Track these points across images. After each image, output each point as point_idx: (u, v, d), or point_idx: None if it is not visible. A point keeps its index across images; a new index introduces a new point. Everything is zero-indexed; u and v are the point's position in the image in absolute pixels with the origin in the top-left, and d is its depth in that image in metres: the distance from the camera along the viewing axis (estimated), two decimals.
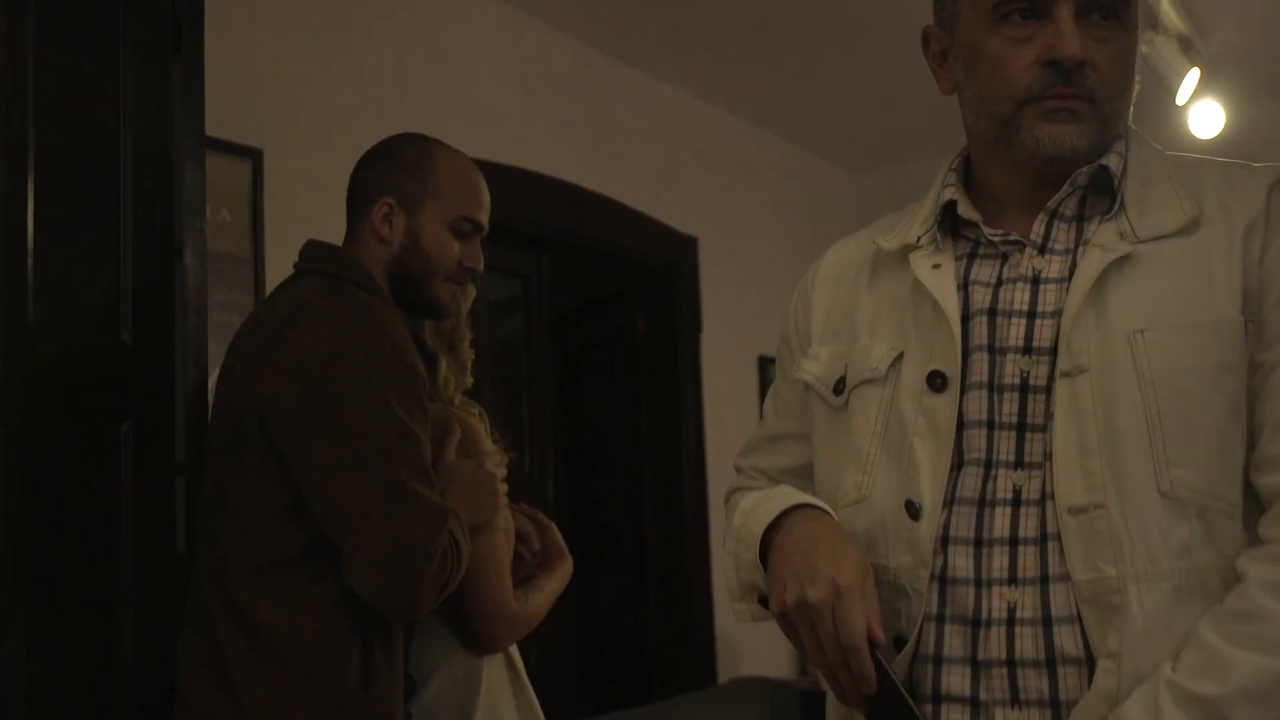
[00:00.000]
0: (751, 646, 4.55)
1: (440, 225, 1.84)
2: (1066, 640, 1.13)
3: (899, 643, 1.20)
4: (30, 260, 1.61)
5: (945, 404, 1.21)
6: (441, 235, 1.84)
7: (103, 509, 1.68)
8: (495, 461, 1.90)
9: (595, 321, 4.77)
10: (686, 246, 4.52)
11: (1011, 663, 1.15)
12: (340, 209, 3.18)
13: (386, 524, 1.56)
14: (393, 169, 1.87)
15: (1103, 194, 1.26)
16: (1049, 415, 1.17)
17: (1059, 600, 1.14)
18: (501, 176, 3.70)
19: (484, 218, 1.91)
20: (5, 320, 1.58)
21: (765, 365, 4.88)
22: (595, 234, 4.13)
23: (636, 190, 4.25)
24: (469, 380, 2.22)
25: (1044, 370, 1.19)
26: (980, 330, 1.23)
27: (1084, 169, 1.25)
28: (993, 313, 1.24)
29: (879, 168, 5.48)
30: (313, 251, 1.82)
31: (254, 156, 3.01)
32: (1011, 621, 1.15)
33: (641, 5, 3.83)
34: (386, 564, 1.56)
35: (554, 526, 2.22)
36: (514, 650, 2.08)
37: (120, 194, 1.78)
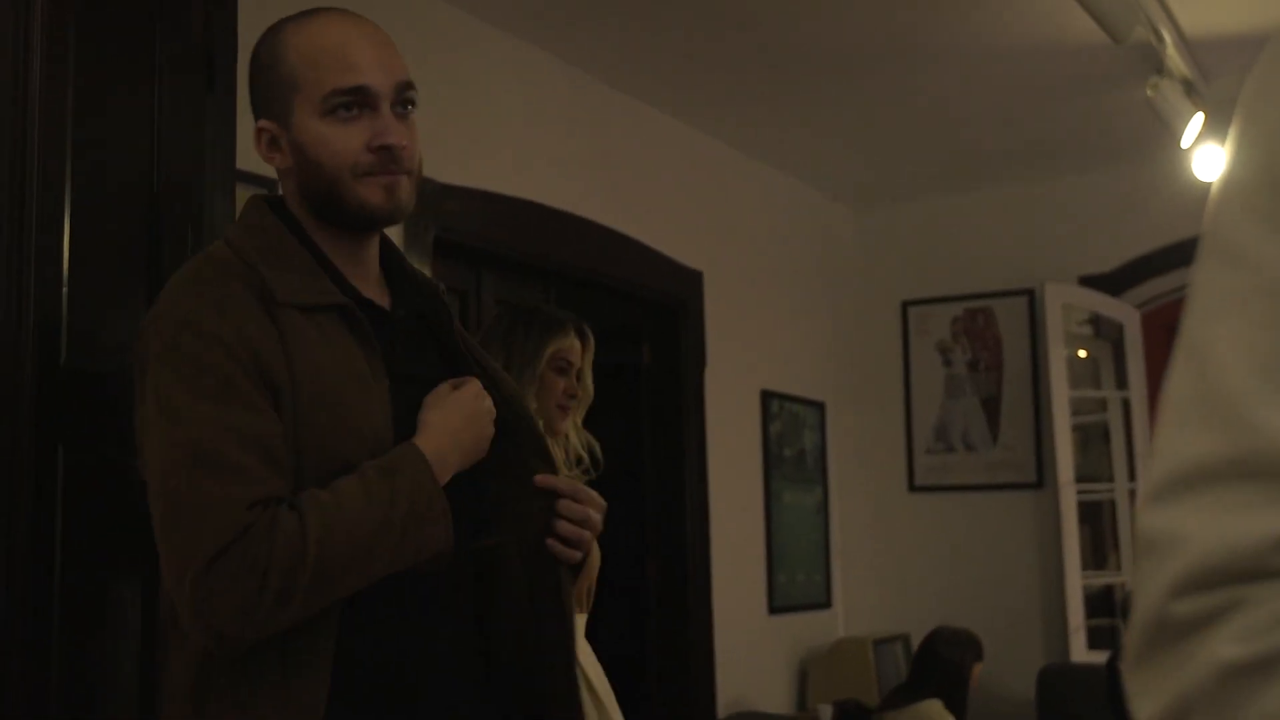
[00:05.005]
0: (752, 683, 4.54)
1: (314, 120, 1.42)
2: None
3: None
4: (65, 300, 1.61)
5: None
6: (320, 131, 1.41)
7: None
8: (476, 391, 1.50)
9: (600, 355, 4.75)
10: (692, 281, 4.53)
11: None
12: None
13: (165, 553, 1.31)
14: (255, 87, 1.50)
15: None
16: None
17: None
18: (508, 209, 3.71)
19: (360, 78, 1.42)
20: (39, 361, 1.58)
21: (768, 400, 4.89)
22: (601, 267, 4.14)
23: (643, 224, 4.26)
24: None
25: None
26: None
27: None
28: None
29: (885, 206, 5.51)
30: None
31: (271, 188, 3.01)
32: None
33: (649, 40, 3.85)
34: (180, 596, 1.29)
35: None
36: (591, 670, 2.15)
37: (152, 230, 1.78)
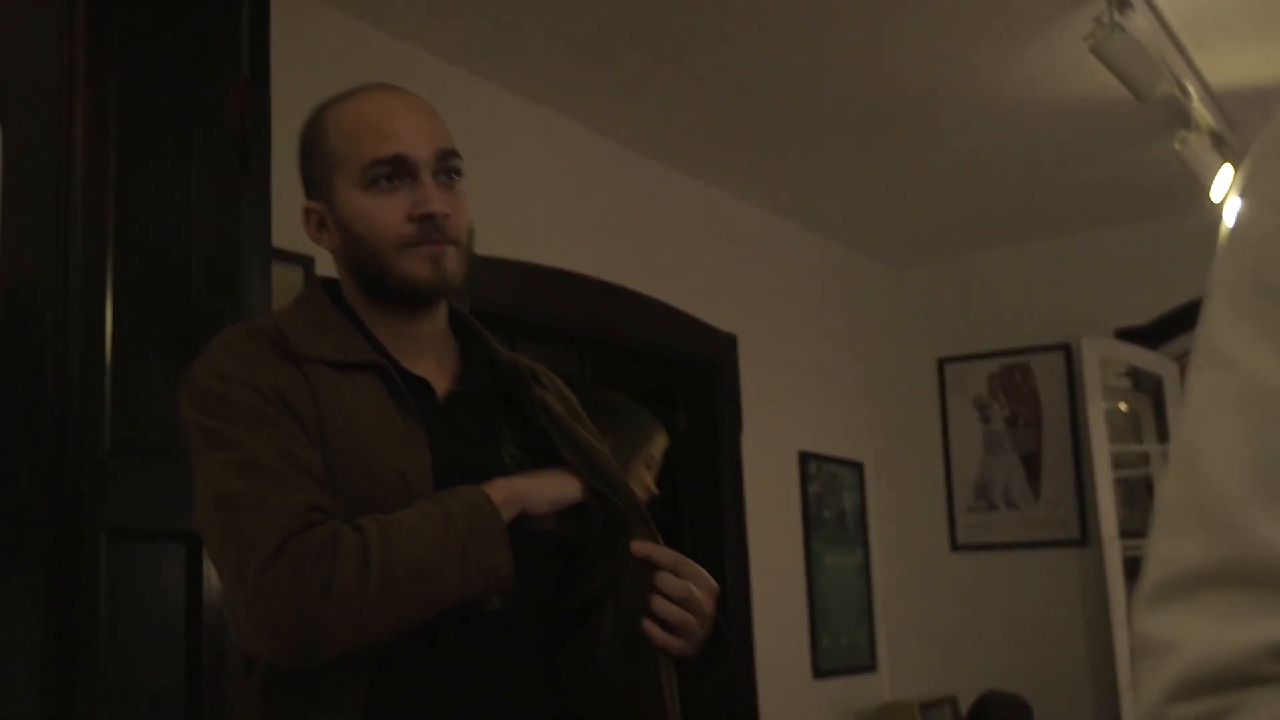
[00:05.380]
0: None
1: (355, 194, 1.39)
2: None
3: None
4: (108, 383, 1.64)
5: None
6: (361, 204, 1.39)
7: None
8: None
9: None
10: (726, 344, 4.55)
11: None
12: None
13: (225, 557, 1.28)
14: (302, 169, 1.49)
15: None
16: None
17: None
18: (542, 278, 3.75)
19: (397, 147, 1.39)
20: (82, 445, 1.61)
21: (806, 461, 4.88)
22: (635, 333, 4.16)
23: (676, 289, 4.29)
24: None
25: None
26: None
27: None
28: None
29: (919, 264, 5.52)
30: None
31: (305, 263, 3.06)
32: None
33: (676, 107, 3.89)
34: (242, 595, 1.26)
35: None
36: None
37: (191, 311, 1.81)
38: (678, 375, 4.53)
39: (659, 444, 2.80)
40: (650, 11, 3.26)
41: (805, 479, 4.87)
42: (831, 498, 5.02)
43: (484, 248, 3.55)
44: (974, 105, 3.90)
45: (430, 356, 1.44)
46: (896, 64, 3.61)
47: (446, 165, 1.42)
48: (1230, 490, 0.50)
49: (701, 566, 1.40)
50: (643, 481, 2.73)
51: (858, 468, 5.21)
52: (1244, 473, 0.50)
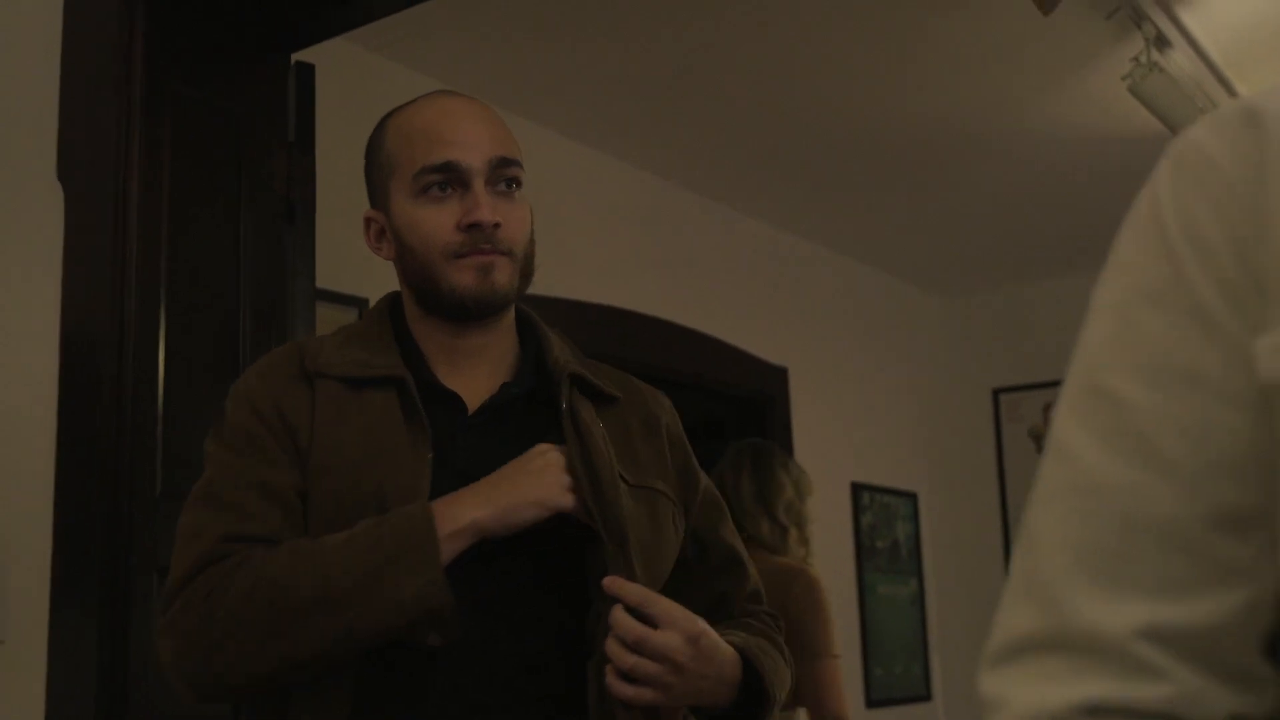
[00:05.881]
0: None
1: (408, 202, 1.35)
2: None
3: None
4: (160, 429, 1.75)
5: None
6: (413, 213, 1.34)
7: None
8: (540, 452, 1.32)
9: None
10: (776, 377, 4.60)
11: None
12: None
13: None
14: (366, 177, 1.45)
15: None
16: None
17: None
18: (591, 316, 3.83)
19: (447, 154, 1.34)
20: (135, 487, 1.71)
21: (859, 492, 4.90)
22: (685, 367, 4.23)
23: (725, 323, 4.35)
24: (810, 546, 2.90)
25: None
26: None
27: None
28: None
29: (972, 294, 5.53)
30: None
31: (360, 305, 3.17)
32: None
33: (721, 142, 3.97)
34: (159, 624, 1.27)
35: None
36: None
37: (240, 358, 1.91)
38: (729, 408, 4.59)
39: (791, 493, 3.01)
40: (694, 49, 3.34)
41: (858, 509, 4.89)
42: (885, 528, 5.04)
43: (535, 288, 3.64)
44: (1019, 139, 3.93)
45: (484, 366, 1.38)
46: (942, 98, 3.66)
47: (503, 174, 1.36)
48: (1054, 568, 0.57)
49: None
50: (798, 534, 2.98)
51: (912, 498, 5.23)
52: (1066, 554, 0.57)
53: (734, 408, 4.58)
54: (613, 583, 1.24)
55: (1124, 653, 0.54)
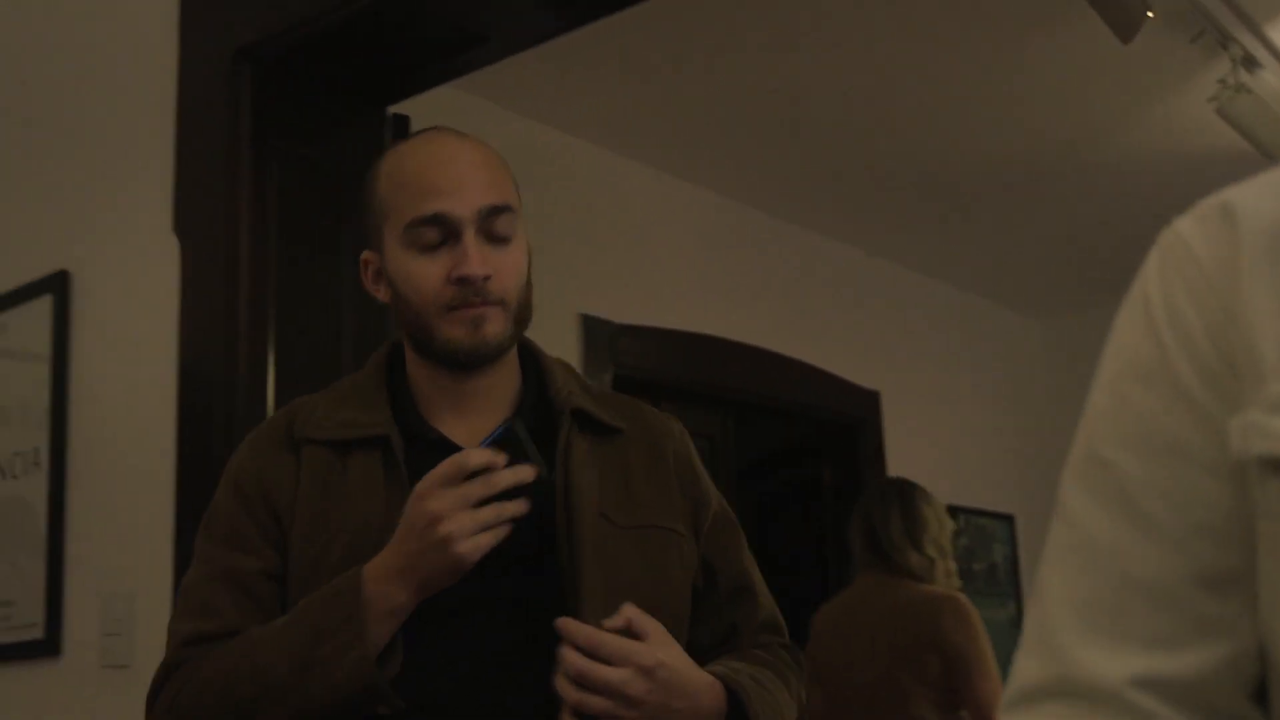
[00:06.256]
0: None
1: (400, 252, 1.32)
2: None
3: None
4: None
5: None
6: (406, 264, 1.32)
7: None
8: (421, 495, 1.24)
9: (780, 475, 4.89)
10: (868, 401, 4.62)
11: None
12: None
13: None
14: (360, 218, 1.43)
15: None
16: None
17: None
18: (683, 343, 3.90)
19: (435, 205, 1.30)
20: None
21: (953, 515, 4.88)
22: (776, 393, 4.28)
23: (815, 348, 4.39)
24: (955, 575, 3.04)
25: None
26: None
27: None
28: None
29: (1066, 315, 5.50)
30: None
31: None
32: None
33: (814, 171, 4.02)
34: None
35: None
36: None
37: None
38: (821, 431, 4.62)
39: (936, 527, 3.16)
40: (784, 81, 3.41)
41: (954, 532, 4.88)
42: (981, 550, 5.02)
43: (626, 316, 3.73)
44: (1109, 161, 3.93)
45: (487, 408, 1.37)
46: (1032, 123, 3.68)
47: (493, 222, 1.31)
48: (1059, 622, 0.63)
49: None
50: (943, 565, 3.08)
51: (1008, 520, 5.20)
52: (1069, 608, 0.63)
53: (826, 432, 4.62)
54: (564, 624, 1.20)
55: (1121, 700, 0.60)
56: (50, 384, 2.08)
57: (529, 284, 1.36)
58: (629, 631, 1.21)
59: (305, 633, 1.22)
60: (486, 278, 1.29)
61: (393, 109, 2.05)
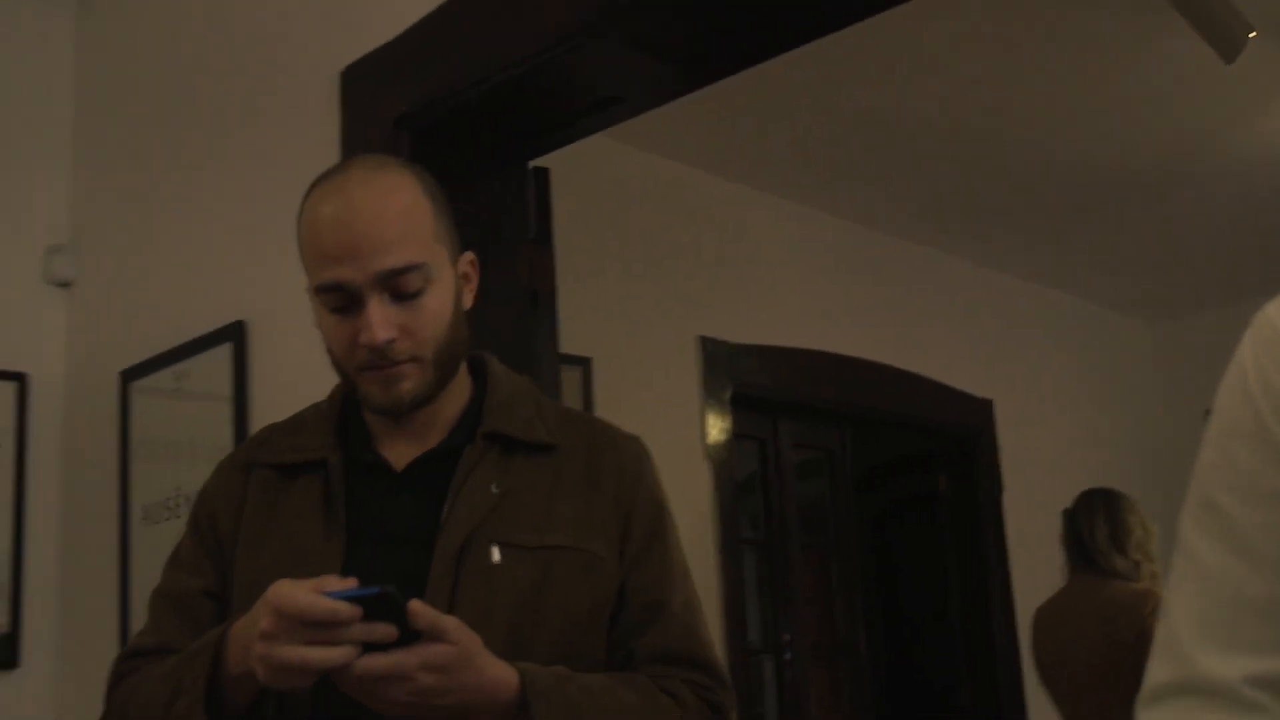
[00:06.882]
0: None
1: (318, 306, 1.33)
2: None
3: None
4: None
5: None
6: (323, 319, 1.33)
7: None
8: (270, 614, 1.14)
9: (897, 484, 4.98)
10: (982, 410, 4.70)
11: None
12: (663, 404, 3.58)
13: None
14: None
15: None
16: None
17: None
18: (798, 360, 4.03)
19: (332, 273, 1.28)
20: None
21: None
22: (890, 405, 4.39)
23: (927, 360, 4.49)
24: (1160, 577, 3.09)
25: None
26: None
27: None
28: None
29: (1177, 317, 5.50)
30: None
31: (584, 364, 3.46)
32: None
33: (923, 186, 4.12)
34: None
35: None
36: None
37: None
38: (936, 441, 4.71)
39: (1140, 532, 3.33)
40: (892, 100, 3.52)
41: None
42: None
43: (742, 336, 3.88)
44: (1220, 166, 3.96)
45: (426, 433, 1.37)
46: (1142, 131, 3.74)
47: (396, 284, 1.28)
48: (1182, 635, 0.79)
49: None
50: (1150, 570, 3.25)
51: None
52: (1191, 623, 0.79)
53: (941, 442, 4.70)
54: (417, 606, 1.12)
55: (1235, 694, 0.76)
56: (232, 422, 2.28)
57: (454, 323, 1.34)
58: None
59: (170, 686, 1.25)
60: (390, 341, 1.28)
61: (532, 163, 2.21)
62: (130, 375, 2.54)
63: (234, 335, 2.28)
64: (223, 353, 2.31)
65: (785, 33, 1.87)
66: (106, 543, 2.51)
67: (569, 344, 3.32)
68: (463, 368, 1.41)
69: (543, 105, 2.00)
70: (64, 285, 2.79)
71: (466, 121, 2.04)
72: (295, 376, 2.21)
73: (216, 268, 2.37)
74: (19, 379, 2.71)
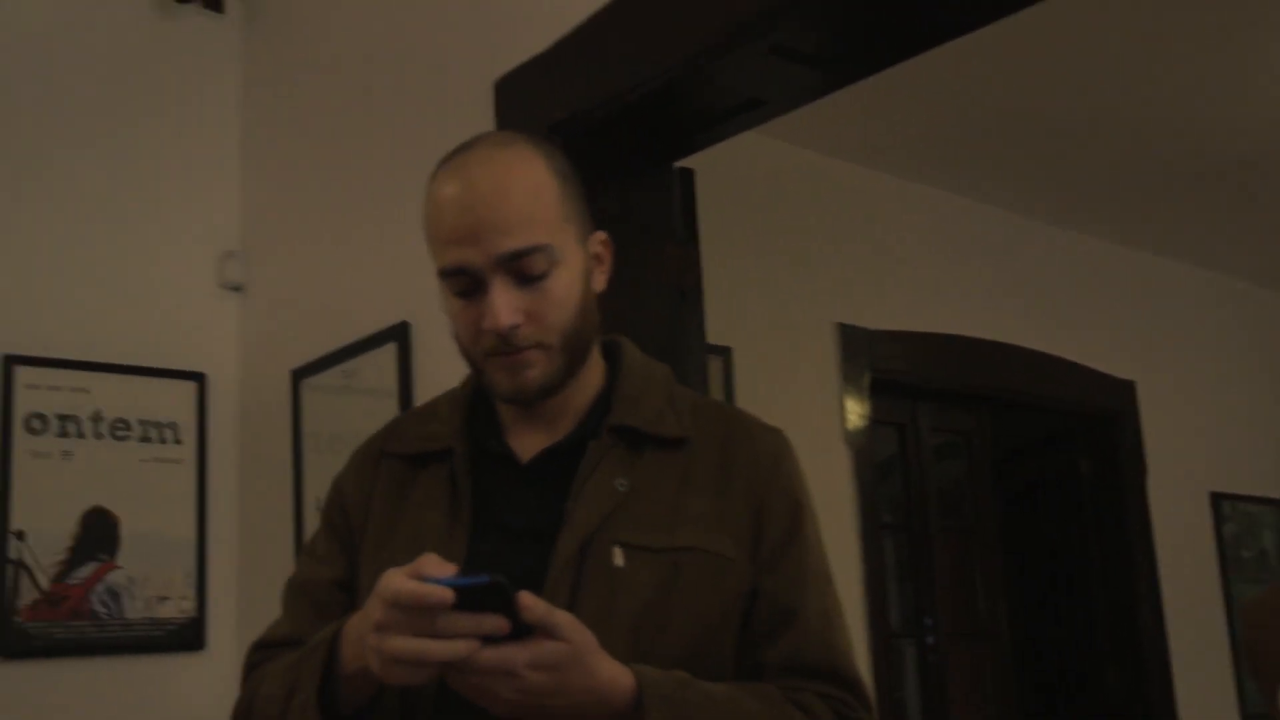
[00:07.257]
0: None
1: (445, 291, 1.29)
2: None
3: None
4: None
5: None
6: (450, 305, 1.28)
7: None
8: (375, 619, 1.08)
9: (1036, 466, 4.95)
10: (1124, 391, 4.65)
11: None
12: (803, 391, 3.64)
13: None
14: None
15: None
16: None
17: None
18: (936, 345, 4.05)
19: (454, 257, 1.24)
20: None
21: (1219, 502, 4.86)
22: (1029, 388, 4.37)
23: (1068, 342, 4.46)
24: None
25: None
26: None
27: None
28: None
29: None
30: None
31: (725, 354, 3.54)
32: None
33: (1063, 169, 4.09)
34: None
35: None
36: None
37: None
38: (1076, 424, 4.68)
39: None
40: (1029, 82, 3.52)
41: (1219, 519, 4.85)
42: (1250, 537, 4.96)
43: (881, 323, 3.91)
44: None
45: (556, 423, 1.32)
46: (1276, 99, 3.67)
47: (519, 266, 1.22)
48: None
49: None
50: None
51: (1277, 505, 5.11)
52: None
53: (1083, 424, 4.67)
54: (526, 598, 1.06)
55: None
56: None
57: (583, 308, 1.28)
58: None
59: (288, 681, 1.23)
60: (514, 326, 1.23)
61: (678, 164, 2.29)
62: (301, 373, 2.69)
63: (399, 335, 2.42)
64: (388, 351, 2.44)
65: (922, 35, 1.92)
66: (282, 531, 2.68)
67: (710, 334, 3.41)
68: (595, 354, 1.36)
69: (688, 110, 2.08)
70: (236, 289, 2.97)
71: (615, 128, 2.13)
72: (455, 372, 2.33)
73: (381, 271, 2.50)
74: (198, 379, 2.90)
